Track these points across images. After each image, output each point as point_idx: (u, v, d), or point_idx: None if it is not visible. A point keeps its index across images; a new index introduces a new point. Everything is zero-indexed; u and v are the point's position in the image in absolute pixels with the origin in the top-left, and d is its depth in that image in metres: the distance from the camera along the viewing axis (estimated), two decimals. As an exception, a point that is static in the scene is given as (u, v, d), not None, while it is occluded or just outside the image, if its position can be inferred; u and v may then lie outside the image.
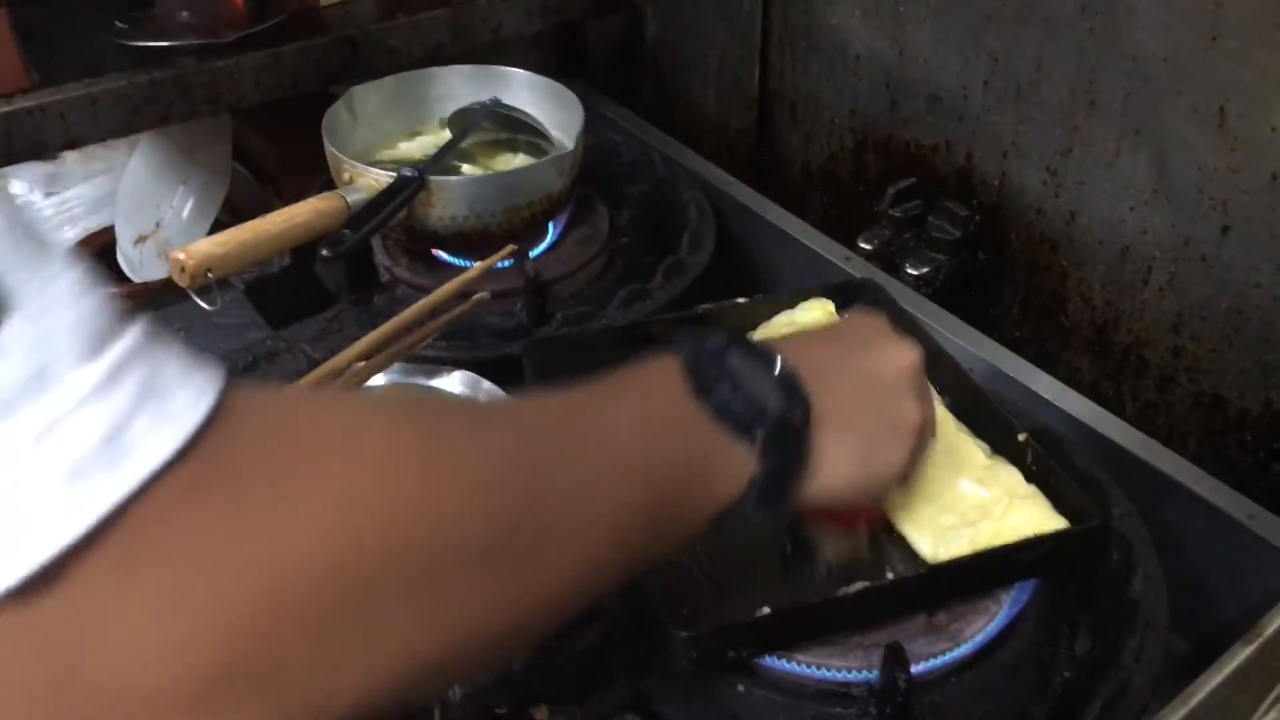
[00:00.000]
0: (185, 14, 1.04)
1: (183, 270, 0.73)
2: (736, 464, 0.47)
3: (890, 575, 0.61)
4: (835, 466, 0.51)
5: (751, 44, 1.16)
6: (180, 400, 0.30)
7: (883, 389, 0.55)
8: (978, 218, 0.97)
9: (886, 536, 0.64)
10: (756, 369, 0.49)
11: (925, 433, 0.56)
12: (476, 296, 0.83)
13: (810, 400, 0.50)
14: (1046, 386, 0.83)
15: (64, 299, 0.29)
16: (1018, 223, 0.95)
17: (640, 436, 0.46)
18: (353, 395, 0.41)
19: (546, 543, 0.38)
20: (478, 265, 0.88)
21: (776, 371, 0.49)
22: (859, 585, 0.58)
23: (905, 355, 0.56)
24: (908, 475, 0.56)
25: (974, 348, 0.88)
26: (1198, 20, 0.76)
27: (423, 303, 0.79)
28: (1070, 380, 0.87)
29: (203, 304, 0.78)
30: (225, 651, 0.29)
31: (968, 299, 0.99)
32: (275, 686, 0.30)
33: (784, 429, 0.48)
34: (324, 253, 0.79)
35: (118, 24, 1.04)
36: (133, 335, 0.30)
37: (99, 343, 0.29)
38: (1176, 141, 0.81)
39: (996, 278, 0.99)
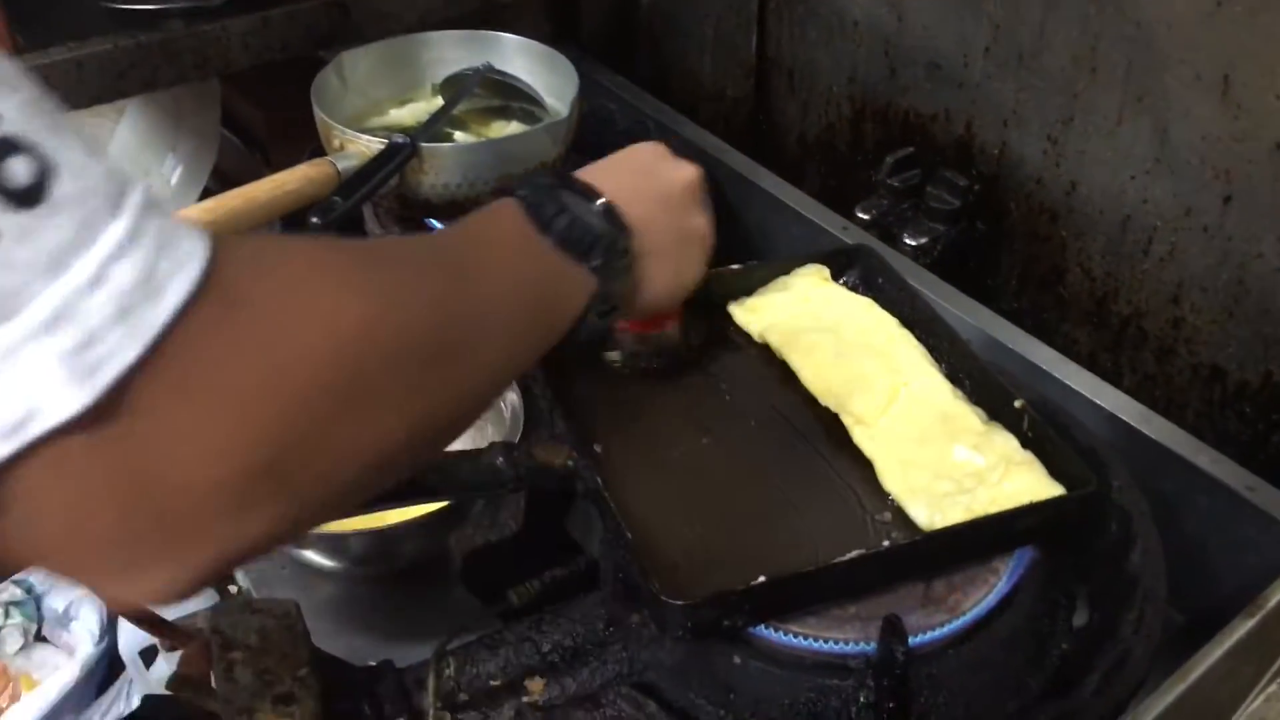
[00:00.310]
0: (171, -23, 1.02)
1: (170, 237, 0.72)
2: (579, 282, 0.57)
3: (886, 543, 0.60)
4: (652, 279, 0.62)
5: (749, 11, 1.14)
6: (187, 246, 0.35)
7: (676, 205, 0.64)
8: (977, 187, 0.96)
9: (877, 501, 0.63)
10: (582, 202, 0.58)
11: (710, 239, 0.67)
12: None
13: (630, 225, 0.59)
14: (1045, 357, 0.83)
15: (90, 160, 0.34)
16: (1017, 193, 0.94)
17: (511, 259, 0.54)
18: (313, 240, 0.47)
19: (473, 342, 0.48)
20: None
21: (598, 204, 0.58)
22: (854, 553, 0.58)
23: (688, 171, 0.65)
24: (700, 278, 0.66)
25: (971, 318, 0.87)
26: (1203, -14, 0.75)
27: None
28: (1068, 351, 0.87)
29: (191, 272, 0.76)
30: (261, 445, 0.36)
31: (966, 269, 0.98)
32: (299, 463, 0.38)
33: (612, 251, 0.58)
34: (314, 220, 0.78)
35: (102, -14, 1.02)
36: (139, 188, 0.35)
37: (120, 196, 0.34)
38: (1179, 110, 0.79)
39: (995, 248, 0.98)
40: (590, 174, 0.61)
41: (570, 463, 0.65)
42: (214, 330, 0.35)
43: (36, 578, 1.51)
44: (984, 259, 0.99)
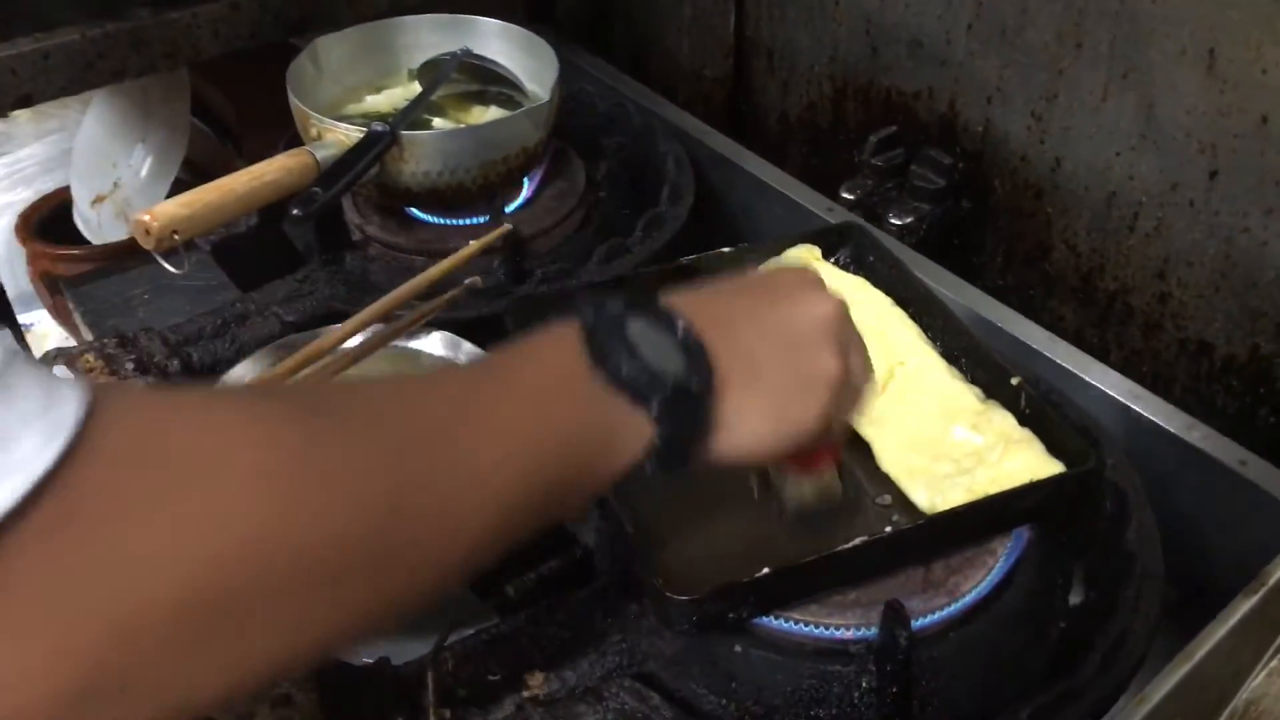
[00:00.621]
0: (138, -36, 0.99)
1: (147, 233, 0.70)
2: (634, 431, 0.47)
3: (889, 528, 0.60)
4: (742, 424, 0.50)
5: (727, -8, 1.13)
6: (27, 447, 0.30)
7: (796, 341, 0.52)
8: (961, 165, 0.96)
9: (877, 485, 0.63)
10: (657, 333, 0.48)
11: (846, 382, 0.53)
12: (468, 281, 0.81)
13: (713, 363, 0.48)
14: (1033, 335, 0.83)
15: None
16: (1002, 170, 0.94)
17: (533, 413, 0.45)
18: (234, 403, 0.39)
19: (414, 548, 0.39)
20: (469, 246, 0.85)
21: (678, 336, 0.48)
22: (858, 540, 0.57)
23: (823, 305, 0.53)
24: (830, 426, 0.53)
25: (959, 297, 0.87)
26: (1188, -41, 0.74)
27: (409, 285, 0.77)
28: (1055, 328, 0.86)
29: (169, 267, 0.75)
30: (80, 672, 0.31)
31: (950, 248, 0.98)
32: (132, 699, 0.32)
33: (682, 396, 0.47)
34: (295, 211, 0.76)
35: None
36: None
37: None
38: (1165, 85, 0.79)
39: (980, 226, 0.98)
40: (694, 296, 0.51)
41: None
42: (36, 547, 0.30)
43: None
44: (969, 237, 0.99)
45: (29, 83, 0.96)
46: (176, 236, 0.71)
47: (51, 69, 0.96)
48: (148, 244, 0.71)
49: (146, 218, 0.70)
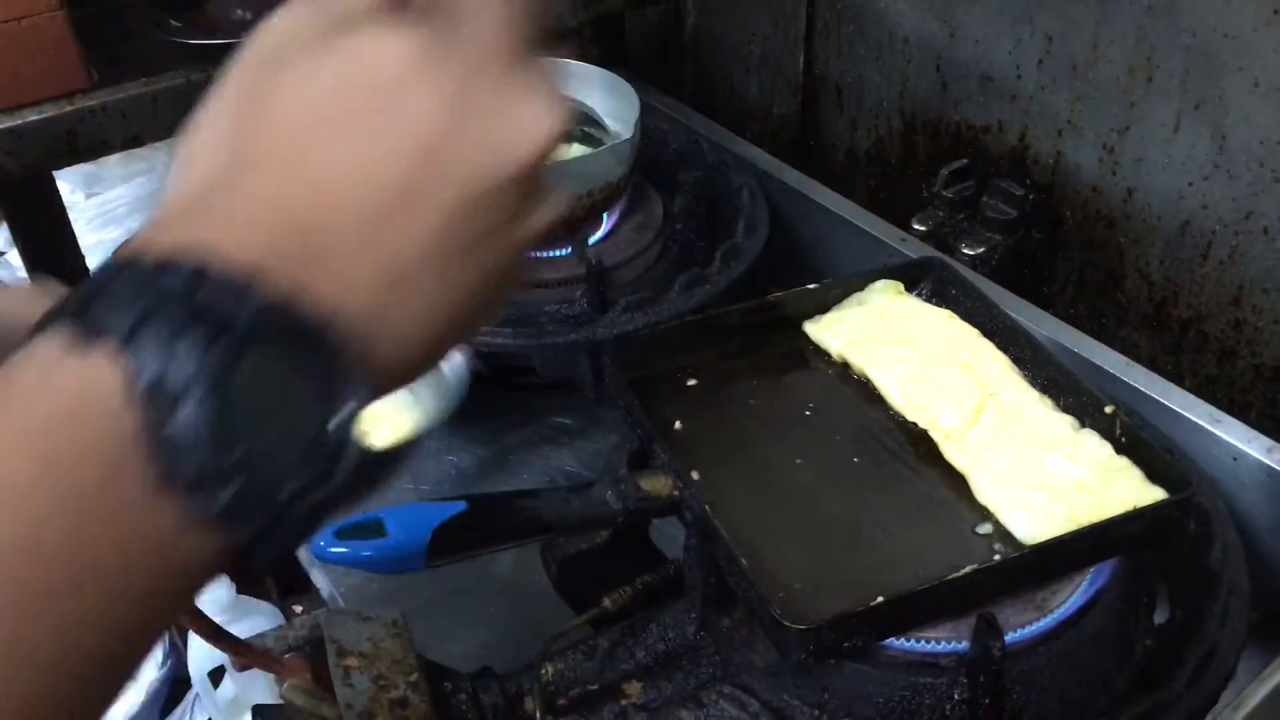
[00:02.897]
0: (239, 11, 1.05)
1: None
2: (214, 542, 0.27)
3: (997, 557, 0.61)
4: (398, 351, 0.30)
5: (795, 30, 1.17)
6: None
7: (482, 218, 0.31)
8: (1032, 196, 0.98)
9: (975, 514, 0.64)
10: (281, 376, 0.27)
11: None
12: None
13: (353, 375, 0.28)
14: (1111, 361, 0.84)
15: None
16: (1073, 200, 0.96)
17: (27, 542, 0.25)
18: None
19: None
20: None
21: (334, 418, 0.27)
22: (969, 568, 0.59)
23: (536, 128, 0.31)
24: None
25: (1035, 325, 0.88)
26: (1261, -6, 0.77)
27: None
28: (1128, 355, 0.88)
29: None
30: None
31: (1022, 277, 1.00)
32: None
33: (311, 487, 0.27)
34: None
35: (172, 22, 1.05)
36: None
37: None
38: (1238, 115, 0.81)
39: (1051, 255, 1.00)
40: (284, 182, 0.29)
41: (676, 493, 0.66)
42: None
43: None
44: (1039, 266, 1.01)
45: (138, 124, 1.01)
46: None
47: (159, 112, 1.01)
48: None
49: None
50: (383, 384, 0.30)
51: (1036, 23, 0.93)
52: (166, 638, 1.52)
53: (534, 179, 0.31)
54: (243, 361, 0.26)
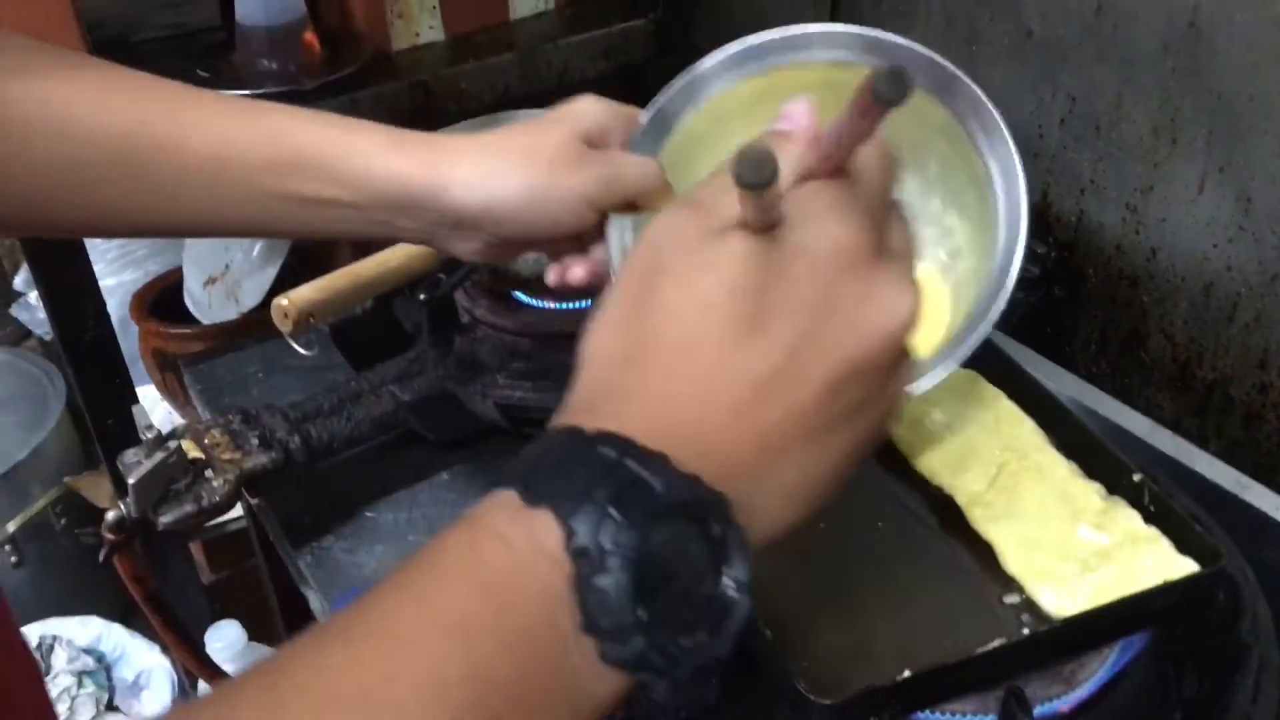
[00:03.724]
0: (265, 62, 1.06)
1: (285, 317, 0.74)
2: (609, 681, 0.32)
3: (1025, 630, 0.60)
4: (776, 512, 0.36)
5: (816, 83, 1.17)
6: None
7: (848, 394, 0.35)
8: (1054, 254, 0.98)
9: (1001, 584, 0.63)
10: (689, 553, 0.31)
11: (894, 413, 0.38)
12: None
13: (727, 497, 0.32)
14: (1136, 424, 0.83)
15: None
16: (1096, 259, 0.96)
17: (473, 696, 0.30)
18: None
19: None
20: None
21: (727, 578, 0.32)
22: (997, 642, 0.58)
23: (894, 309, 0.35)
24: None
25: (1058, 385, 0.88)
26: (1286, 60, 0.77)
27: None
28: (1152, 417, 0.87)
29: (300, 349, 0.79)
30: None
31: (1043, 334, 0.99)
32: None
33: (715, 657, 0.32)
34: (421, 297, 0.80)
35: (199, 72, 1.06)
36: None
37: None
38: (1264, 178, 0.81)
39: (1073, 314, 0.99)
40: (663, 376, 0.34)
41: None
42: None
43: (107, 646, 1.53)
44: (1062, 324, 1.00)
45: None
46: (311, 319, 0.75)
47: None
48: (285, 327, 0.75)
49: (285, 303, 0.74)
50: (761, 544, 0.34)
51: (1059, 82, 0.93)
52: (176, 682, 1.51)
53: (897, 353, 0.36)
54: (659, 527, 0.31)
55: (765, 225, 0.35)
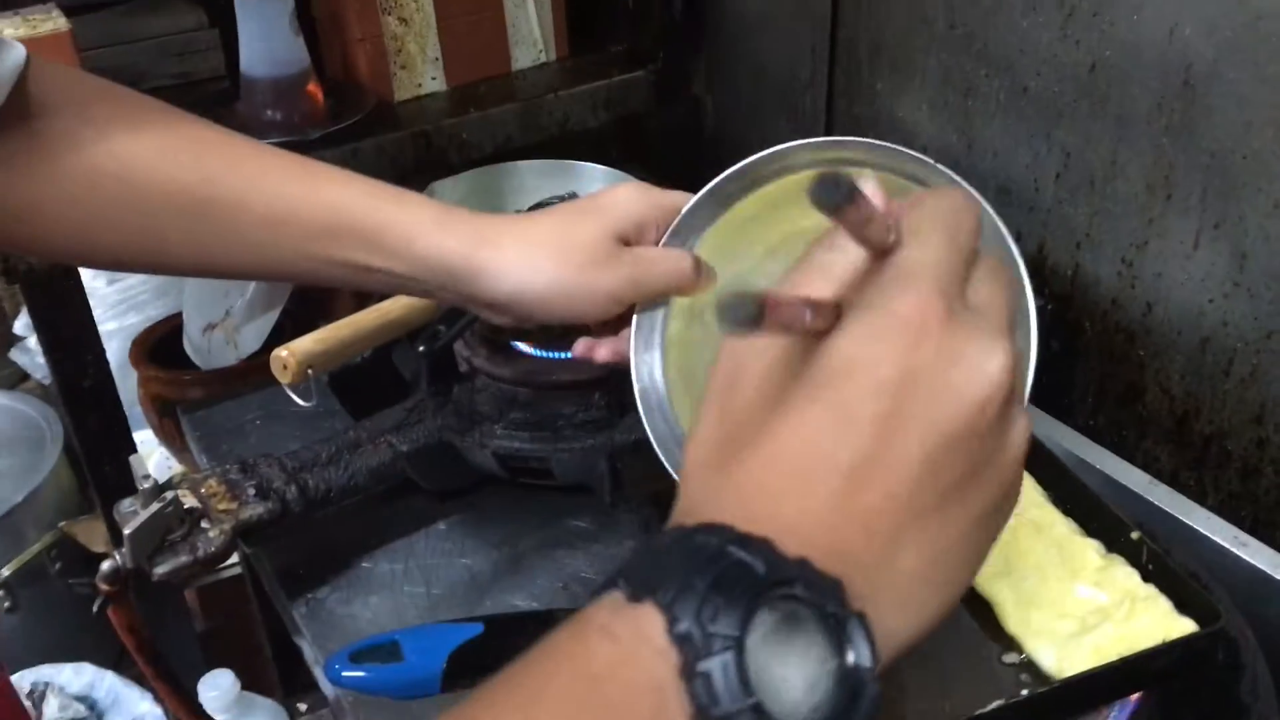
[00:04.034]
0: (269, 113, 1.07)
1: (285, 368, 0.75)
2: None
3: (1024, 691, 0.60)
4: (901, 624, 0.34)
5: (814, 136, 1.18)
6: None
7: (955, 461, 0.34)
8: (1050, 307, 0.98)
9: (1001, 642, 0.63)
10: (796, 645, 0.30)
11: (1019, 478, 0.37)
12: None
13: (845, 585, 0.31)
14: (1133, 479, 0.83)
15: None
16: (1092, 312, 0.96)
17: None
18: None
19: None
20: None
21: (849, 658, 0.31)
22: (996, 704, 0.58)
23: (987, 370, 0.33)
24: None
25: (1054, 436, 0.88)
26: (1279, 119, 0.77)
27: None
28: (1149, 470, 0.87)
29: (299, 400, 0.79)
30: None
31: (1039, 387, 0.99)
32: None
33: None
34: (420, 348, 0.80)
35: (203, 122, 1.07)
36: None
37: None
38: (1259, 235, 0.81)
39: (1069, 367, 0.99)
40: (773, 462, 0.33)
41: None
42: None
43: (100, 694, 1.51)
44: (1058, 377, 1.00)
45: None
46: (310, 371, 0.75)
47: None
48: (284, 378, 0.75)
49: (285, 353, 0.74)
50: (903, 640, 0.34)
51: (1054, 138, 0.94)
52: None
53: (997, 414, 0.34)
54: (765, 608, 0.30)
55: (821, 334, 0.34)
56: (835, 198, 0.31)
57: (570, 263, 0.64)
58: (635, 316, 0.66)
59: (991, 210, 0.53)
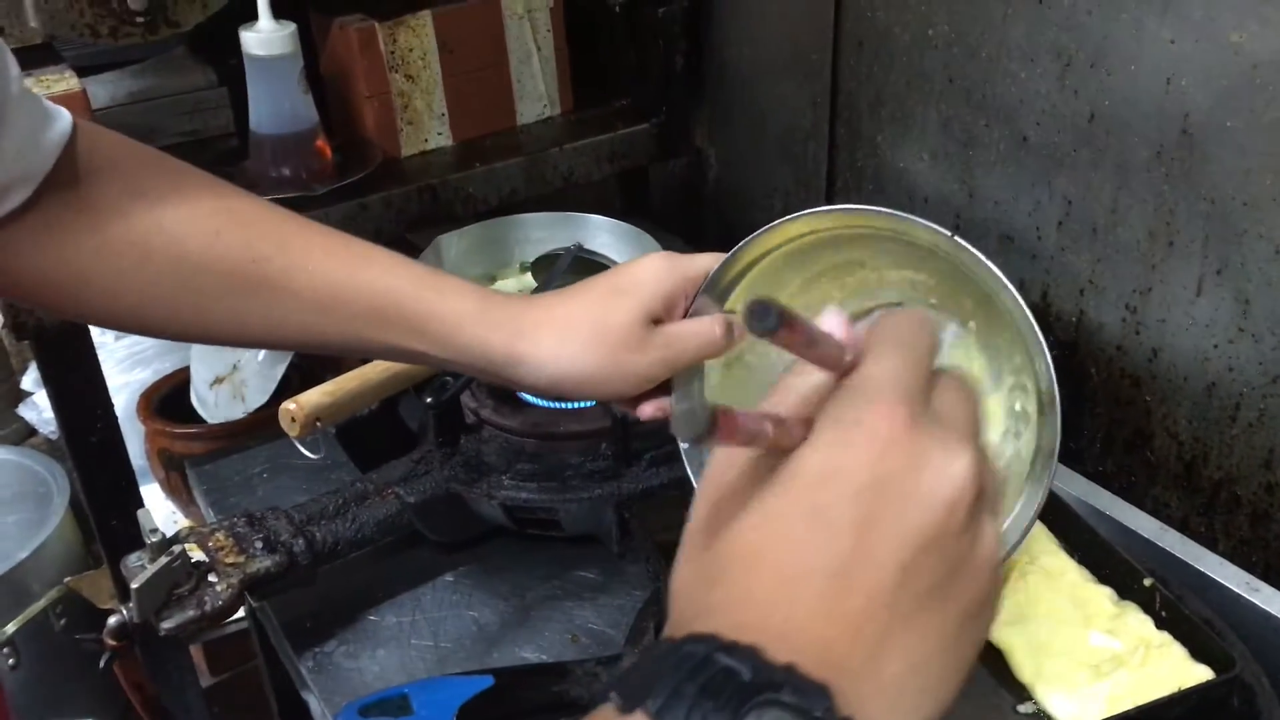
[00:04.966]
0: (278, 169, 1.08)
1: (293, 420, 0.75)
2: None
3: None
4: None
5: (816, 187, 1.20)
6: None
7: (929, 564, 0.34)
8: (1055, 353, 0.98)
9: (1015, 692, 0.62)
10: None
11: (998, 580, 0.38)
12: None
13: (830, 687, 0.32)
14: (1143, 526, 0.83)
15: None
16: (1097, 359, 0.96)
17: None
18: None
19: None
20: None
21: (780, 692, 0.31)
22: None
23: (951, 473, 0.35)
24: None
25: (1064, 484, 0.88)
26: (1278, 167, 0.78)
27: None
28: (1159, 516, 0.87)
29: (307, 453, 0.79)
30: None
31: (1047, 434, 0.99)
32: None
33: None
34: (428, 400, 0.81)
35: (212, 178, 1.08)
36: None
37: None
38: (1261, 281, 0.82)
39: (1076, 413, 0.99)
40: (750, 580, 0.35)
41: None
42: None
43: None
44: (1065, 423, 1.00)
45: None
46: (319, 423, 0.75)
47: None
48: (292, 431, 0.75)
49: (293, 406, 0.75)
50: None
51: (1055, 186, 0.95)
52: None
53: (966, 515, 0.35)
54: (753, 714, 0.30)
55: (786, 450, 0.36)
56: (766, 323, 0.33)
57: (604, 349, 0.66)
58: (674, 378, 0.70)
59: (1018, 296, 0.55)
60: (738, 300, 0.71)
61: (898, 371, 0.36)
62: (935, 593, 0.34)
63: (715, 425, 0.33)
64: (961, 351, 0.66)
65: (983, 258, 0.60)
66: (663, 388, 0.71)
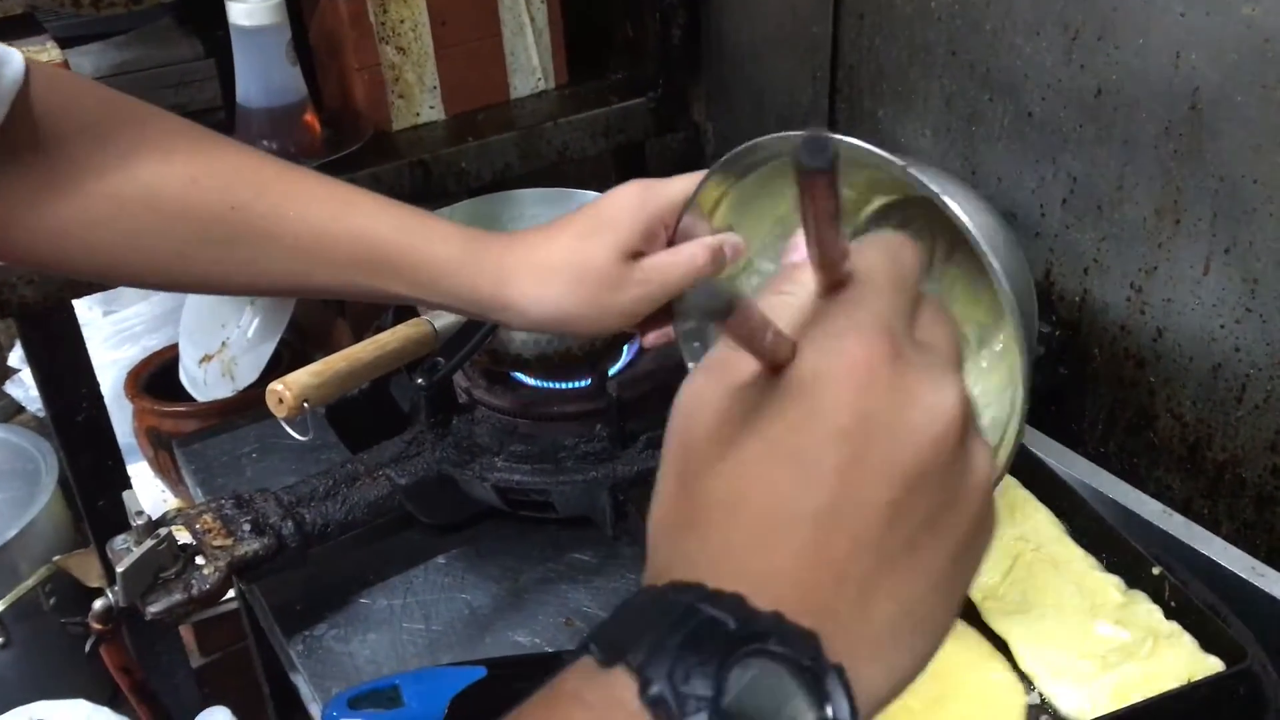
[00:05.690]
0: (266, 143, 1.06)
1: (280, 402, 0.73)
2: None
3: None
4: (881, 679, 0.33)
5: (816, 162, 1.18)
6: None
7: (919, 501, 0.33)
8: (1058, 333, 0.97)
9: (1028, 685, 0.61)
10: (773, 688, 0.29)
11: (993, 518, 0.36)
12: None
13: (819, 637, 0.30)
14: (1147, 508, 0.82)
15: None
16: (1101, 339, 0.95)
17: None
18: None
19: None
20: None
21: (828, 711, 0.30)
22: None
23: (939, 406, 0.33)
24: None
25: (1066, 466, 0.87)
26: (1289, 142, 0.76)
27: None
28: (1161, 498, 0.85)
29: (295, 434, 0.77)
30: None
31: (1048, 415, 0.98)
32: None
33: None
34: (420, 382, 0.79)
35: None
36: None
37: None
38: (1270, 260, 0.80)
39: (1079, 394, 0.98)
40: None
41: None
42: None
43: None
44: (1067, 404, 0.99)
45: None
46: (306, 405, 0.73)
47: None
48: (280, 412, 0.74)
49: (280, 387, 0.73)
50: (886, 691, 0.32)
51: (1060, 163, 0.93)
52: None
53: (955, 448, 0.33)
54: (739, 665, 0.29)
55: (775, 364, 0.33)
56: (819, 161, 0.31)
57: (584, 290, 0.66)
58: (673, 302, 0.68)
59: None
60: (724, 218, 0.68)
61: (881, 300, 0.34)
62: (925, 530, 0.33)
63: (732, 307, 0.31)
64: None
65: (916, 173, 0.57)
66: (665, 312, 0.69)
